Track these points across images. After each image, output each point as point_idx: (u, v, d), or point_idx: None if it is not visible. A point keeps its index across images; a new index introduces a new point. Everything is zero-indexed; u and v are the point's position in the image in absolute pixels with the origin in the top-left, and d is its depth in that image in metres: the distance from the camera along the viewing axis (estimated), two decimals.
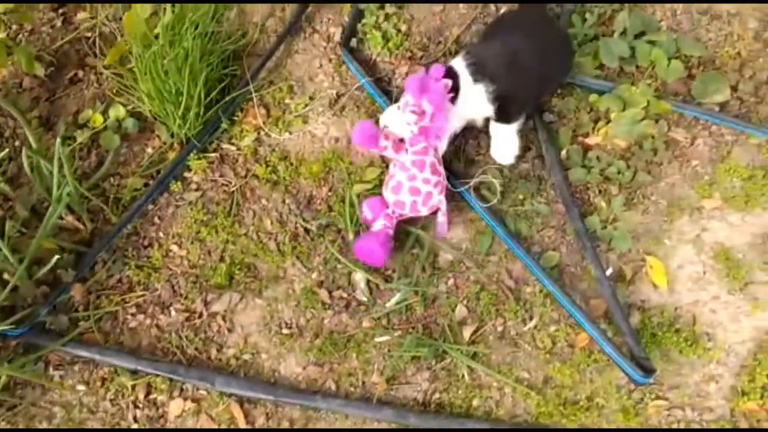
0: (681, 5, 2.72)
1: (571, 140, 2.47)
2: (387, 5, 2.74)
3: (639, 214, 2.36)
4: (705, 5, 2.71)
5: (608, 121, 2.47)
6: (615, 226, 2.33)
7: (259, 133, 2.57)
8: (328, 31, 2.76)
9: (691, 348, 2.17)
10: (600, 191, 2.40)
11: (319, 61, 2.70)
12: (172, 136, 2.54)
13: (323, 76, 2.67)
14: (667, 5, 2.73)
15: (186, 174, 2.51)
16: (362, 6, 2.72)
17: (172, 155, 2.53)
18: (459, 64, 2.33)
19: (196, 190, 2.49)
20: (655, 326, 2.21)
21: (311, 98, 2.62)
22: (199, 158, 2.50)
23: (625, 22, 2.64)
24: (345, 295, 2.31)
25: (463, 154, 2.48)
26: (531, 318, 2.25)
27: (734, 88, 2.53)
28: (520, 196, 2.38)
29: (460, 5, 2.78)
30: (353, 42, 2.70)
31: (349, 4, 2.76)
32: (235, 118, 2.59)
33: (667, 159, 2.43)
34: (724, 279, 2.26)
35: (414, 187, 2.24)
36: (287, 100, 2.63)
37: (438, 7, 2.77)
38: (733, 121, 2.45)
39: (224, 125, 2.56)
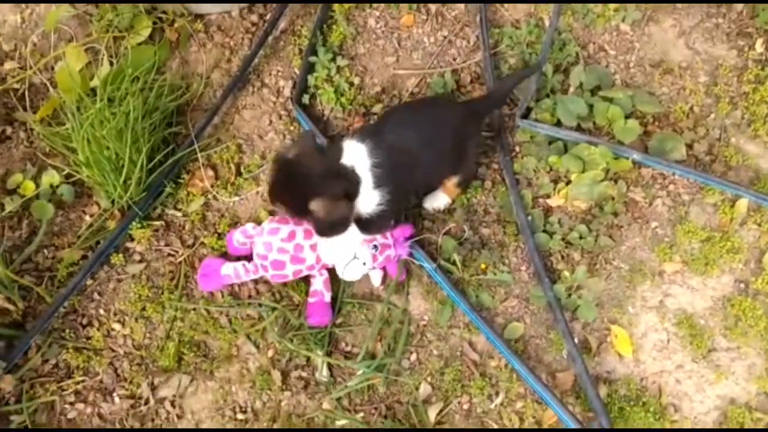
0: (634, 58, 2.71)
1: (532, 202, 2.41)
2: (338, 58, 2.62)
3: (602, 281, 2.32)
4: (657, 58, 2.70)
5: (568, 182, 2.43)
6: (579, 294, 2.28)
7: (207, 197, 2.42)
8: (278, 85, 2.62)
9: (658, 422, 2.14)
10: (563, 257, 2.35)
11: (268, 117, 2.56)
12: (112, 202, 2.35)
13: (273, 134, 2.54)
14: (620, 58, 2.71)
15: (128, 244, 2.34)
16: (312, 59, 2.60)
17: (112, 224, 2.35)
18: None
19: (140, 261, 2.33)
20: (622, 399, 2.17)
21: (262, 158, 2.49)
22: (142, 226, 2.34)
23: (580, 76, 2.61)
24: (303, 374, 2.19)
25: (420, 219, 2.40)
26: (497, 394, 2.18)
27: (690, 146, 2.53)
28: (482, 265, 2.31)
29: (413, 54, 2.69)
30: (304, 98, 2.57)
31: (299, 57, 2.63)
32: (181, 181, 2.43)
33: (627, 221, 2.40)
34: (687, 347, 2.25)
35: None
36: (236, 160, 2.48)
37: (391, 58, 2.68)
38: (695, 173, 2.44)
39: (169, 189, 2.40)
